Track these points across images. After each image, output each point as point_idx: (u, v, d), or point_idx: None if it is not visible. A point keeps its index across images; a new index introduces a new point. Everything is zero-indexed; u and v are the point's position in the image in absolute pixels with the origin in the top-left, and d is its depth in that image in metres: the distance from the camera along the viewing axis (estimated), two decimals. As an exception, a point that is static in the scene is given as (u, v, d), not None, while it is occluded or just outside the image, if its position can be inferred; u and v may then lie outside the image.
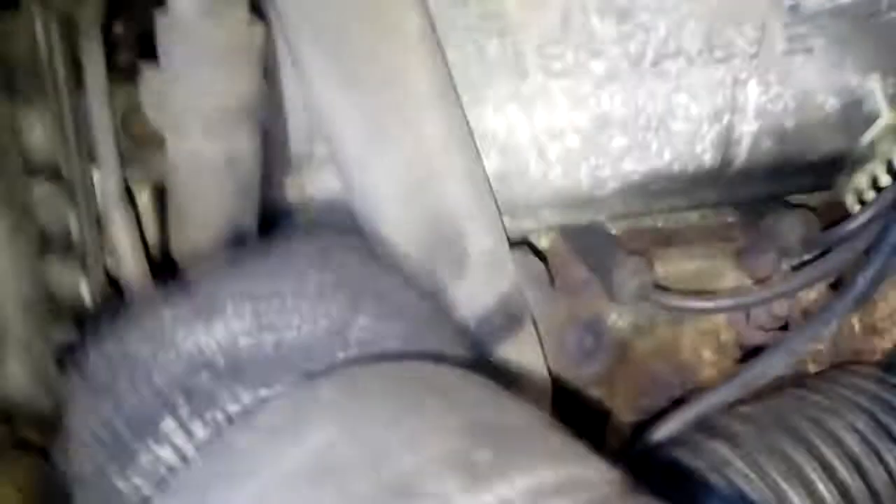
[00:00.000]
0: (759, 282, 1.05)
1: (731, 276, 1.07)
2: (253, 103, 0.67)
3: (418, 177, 0.70)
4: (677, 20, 0.82)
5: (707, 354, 1.11)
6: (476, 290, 0.76)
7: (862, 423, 0.74)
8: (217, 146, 0.67)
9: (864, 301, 0.77)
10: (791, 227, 0.96)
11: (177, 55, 0.62)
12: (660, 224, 1.06)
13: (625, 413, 1.10)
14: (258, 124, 0.69)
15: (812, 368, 1.09)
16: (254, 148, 0.70)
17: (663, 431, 0.80)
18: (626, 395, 1.11)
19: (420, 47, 0.68)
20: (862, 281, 0.76)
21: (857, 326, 1.13)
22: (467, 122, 0.76)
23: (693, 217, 1.06)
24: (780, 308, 1.06)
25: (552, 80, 0.81)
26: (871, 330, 1.13)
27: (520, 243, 0.92)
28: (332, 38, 0.65)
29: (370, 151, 0.68)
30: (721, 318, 1.08)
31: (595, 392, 1.07)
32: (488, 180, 0.79)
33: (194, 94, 0.64)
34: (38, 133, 0.81)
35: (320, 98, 0.68)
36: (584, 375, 1.06)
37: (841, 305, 0.77)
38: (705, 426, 0.79)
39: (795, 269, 0.99)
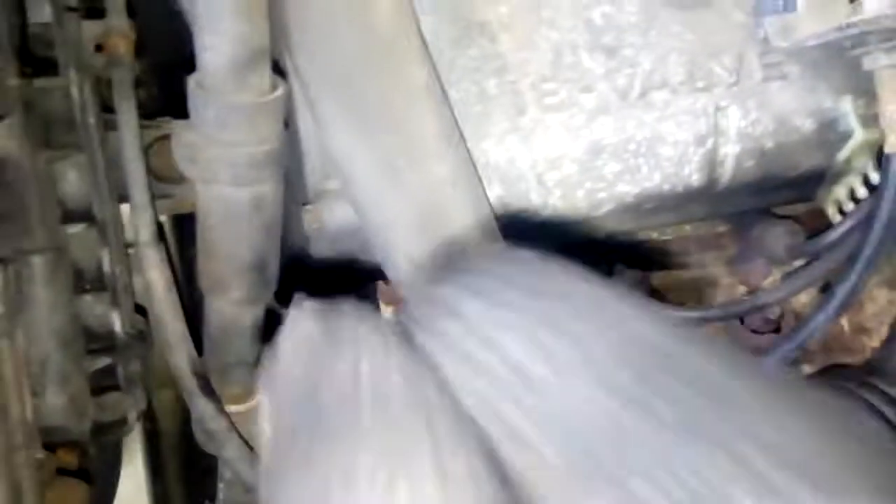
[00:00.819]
0: (751, 289, 1.11)
1: (724, 284, 1.14)
2: (277, 151, 0.73)
3: (426, 210, 0.76)
4: (661, 54, 0.89)
5: (704, 359, 1.17)
6: None
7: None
8: (244, 191, 0.73)
9: (847, 307, 0.82)
10: (777, 237, 1.03)
11: (208, 115, 0.68)
12: (654, 235, 1.13)
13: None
14: (281, 168, 0.76)
15: (807, 369, 1.16)
16: (277, 189, 0.77)
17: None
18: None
19: (424, 95, 0.74)
20: (841, 290, 0.82)
21: (846, 326, 1.19)
22: (470, 157, 0.83)
23: (686, 229, 1.13)
24: (773, 312, 1.13)
25: (548, 114, 0.87)
26: (860, 329, 1.19)
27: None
28: (345, 90, 0.72)
29: (382, 190, 0.75)
30: (717, 324, 1.15)
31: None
32: (492, 207, 0.85)
33: (223, 148, 0.70)
34: (72, 180, 0.87)
35: (335, 142, 0.75)
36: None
37: (823, 316, 0.82)
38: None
39: (786, 276, 1.05)
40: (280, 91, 0.71)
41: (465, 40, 0.86)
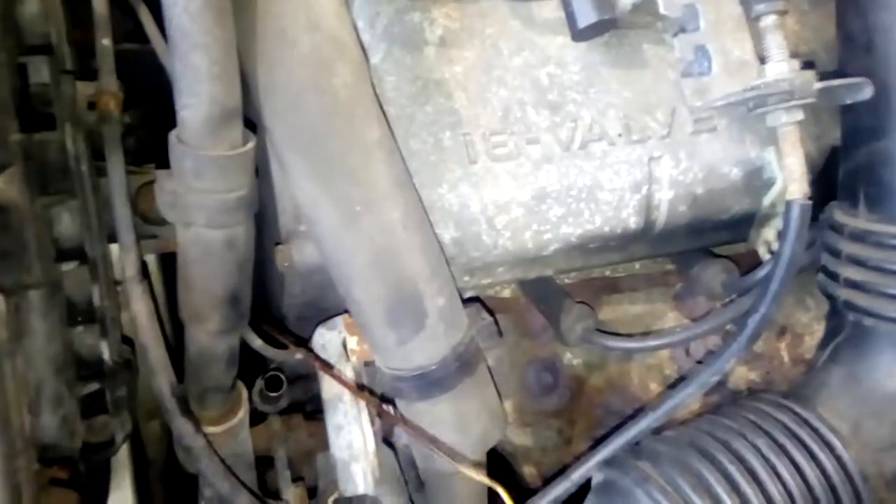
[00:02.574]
0: (694, 321, 1.20)
1: (670, 317, 1.23)
2: (247, 198, 0.82)
3: (381, 250, 0.85)
4: (600, 109, 0.98)
5: (654, 386, 1.26)
6: (434, 342, 0.91)
7: (762, 443, 0.87)
8: (218, 233, 0.83)
9: (756, 339, 0.91)
10: (714, 274, 1.12)
11: (186, 165, 0.77)
12: (607, 273, 1.21)
13: (583, 441, 1.25)
14: (252, 211, 0.85)
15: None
16: (249, 231, 0.86)
17: (603, 454, 0.94)
18: (584, 424, 1.26)
19: (378, 149, 0.83)
20: (752, 322, 0.90)
21: (786, 358, 1.28)
22: (422, 203, 0.91)
23: (635, 266, 1.22)
24: (713, 342, 1.22)
25: (497, 163, 0.96)
26: (799, 360, 1.27)
27: (473, 299, 1.08)
28: (309, 146, 0.81)
29: (341, 232, 0.83)
30: (664, 354, 1.24)
31: (555, 423, 1.22)
32: (443, 249, 0.94)
33: (199, 195, 0.79)
34: (66, 222, 0.96)
35: (300, 190, 0.84)
36: (544, 408, 1.21)
37: (736, 346, 0.91)
38: (635, 448, 0.93)
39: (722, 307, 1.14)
40: (250, 145, 0.80)
41: (423, 97, 0.96)
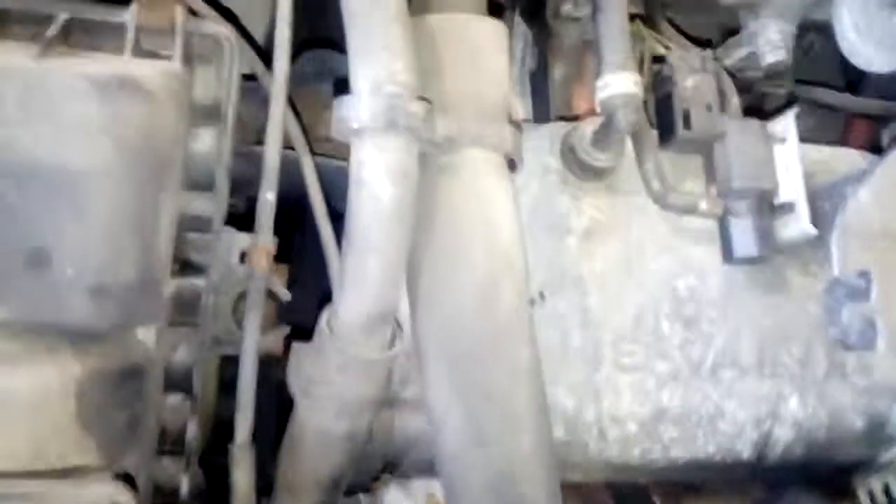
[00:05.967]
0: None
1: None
2: (381, 395, 0.77)
3: (503, 477, 0.78)
4: (735, 333, 0.94)
5: None
6: None
7: None
8: (343, 424, 0.78)
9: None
10: (805, 506, 1.07)
11: (332, 360, 0.73)
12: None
13: None
14: (380, 406, 0.80)
15: None
16: (371, 423, 0.81)
17: None
18: None
19: (525, 374, 0.78)
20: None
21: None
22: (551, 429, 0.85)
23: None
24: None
25: (622, 374, 0.91)
26: None
27: None
28: (456, 359, 0.75)
29: (466, 448, 0.77)
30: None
31: None
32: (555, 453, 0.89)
33: (337, 389, 0.74)
34: (181, 353, 0.90)
35: (433, 392, 0.77)
36: None
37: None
38: None
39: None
40: (397, 349, 0.75)
41: (557, 287, 0.92)
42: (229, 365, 0.95)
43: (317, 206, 0.90)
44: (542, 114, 1.05)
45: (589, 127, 0.91)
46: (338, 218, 0.89)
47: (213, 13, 0.85)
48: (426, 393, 0.78)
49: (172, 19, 0.78)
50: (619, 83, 0.85)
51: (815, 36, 1.14)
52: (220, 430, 0.94)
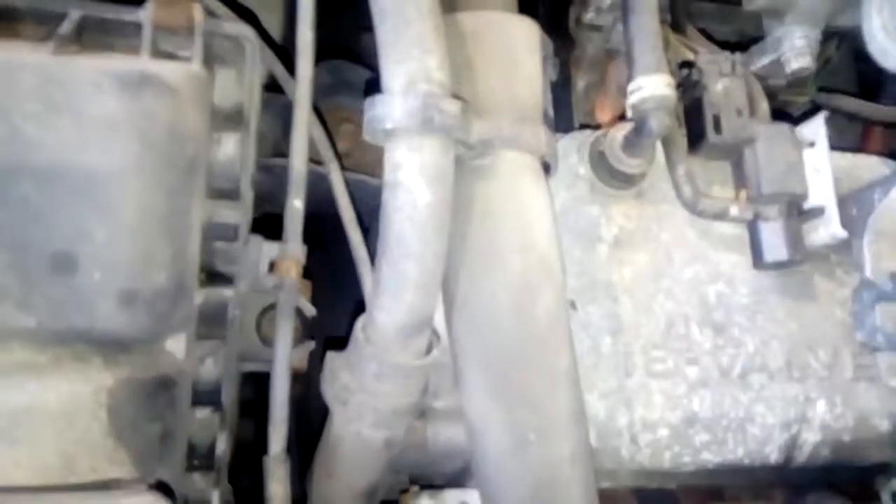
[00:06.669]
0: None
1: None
2: (417, 402, 0.76)
3: (545, 484, 0.78)
4: (764, 339, 0.94)
5: None
6: None
7: None
8: (381, 433, 0.76)
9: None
10: (828, 508, 1.07)
11: (369, 367, 0.72)
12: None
13: None
14: (416, 414, 0.79)
15: None
16: (408, 431, 0.80)
17: None
18: None
19: (564, 380, 0.77)
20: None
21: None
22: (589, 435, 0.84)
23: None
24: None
25: (653, 380, 0.91)
26: None
27: None
28: (494, 365, 0.74)
29: (507, 457, 0.76)
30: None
31: None
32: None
33: (374, 398, 0.73)
34: (208, 367, 0.87)
35: (472, 402, 0.76)
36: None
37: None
38: None
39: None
40: (434, 355, 0.74)
41: (588, 295, 0.91)
42: (244, 385, 0.93)
43: (344, 212, 0.89)
44: (564, 125, 1.04)
45: (619, 132, 0.91)
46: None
47: (230, 13, 0.82)
48: (464, 400, 0.77)
49: (190, 19, 0.75)
50: (652, 85, 0.83)
51: (831, 46, 1.16)
52: (239, 449, 0.93)
